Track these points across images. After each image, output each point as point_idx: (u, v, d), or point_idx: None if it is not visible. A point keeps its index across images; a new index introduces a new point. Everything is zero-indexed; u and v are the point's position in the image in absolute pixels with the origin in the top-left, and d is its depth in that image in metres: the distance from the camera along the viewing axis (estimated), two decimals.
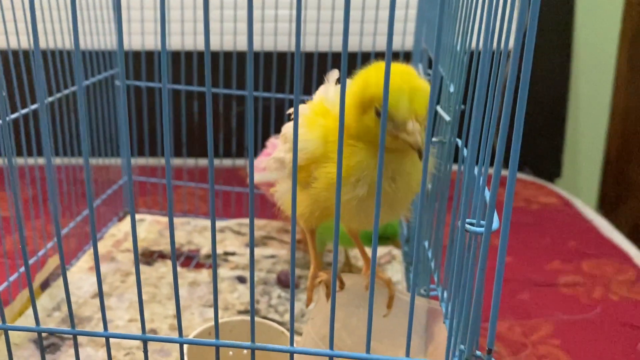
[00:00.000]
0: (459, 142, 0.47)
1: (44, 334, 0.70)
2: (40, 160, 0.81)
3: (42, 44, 0.80)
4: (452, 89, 0.49)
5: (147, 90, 1.04)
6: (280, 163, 0.55)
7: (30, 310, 0.74)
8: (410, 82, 0.44)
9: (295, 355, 0.39)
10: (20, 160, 0.77)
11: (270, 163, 0.56)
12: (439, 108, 0.54)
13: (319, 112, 0.51)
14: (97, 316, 0.75)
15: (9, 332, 0.68)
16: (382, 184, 0.45)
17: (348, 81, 0.51)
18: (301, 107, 0.54)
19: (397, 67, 0.46)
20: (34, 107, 0.73)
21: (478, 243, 0.33)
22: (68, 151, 0.84)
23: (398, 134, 0.44)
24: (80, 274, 0.84)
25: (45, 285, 0.78)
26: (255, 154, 1.00)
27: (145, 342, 0.36)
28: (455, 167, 0.51)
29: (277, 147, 0.58)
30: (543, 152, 1.58)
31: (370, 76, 0.46)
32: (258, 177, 0.90)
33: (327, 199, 0.50)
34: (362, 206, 0.48)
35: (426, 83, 0.45)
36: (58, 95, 0.81)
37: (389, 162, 0.46)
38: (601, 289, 0.94)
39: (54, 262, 0.80)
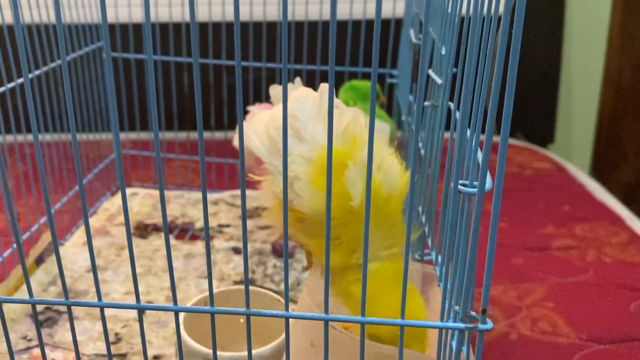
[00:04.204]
0: (452, 105, 0.46)
1: (40, 310, 0.70)
2: (30, 137, 0.80)
3: (27, 18, 0.79)
4: (443, 52, 0.48)
5: (136, 63, 1.03)
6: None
7: (25, 286, 0.74)
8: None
9: (291, 321, 0.40)
10: (9, 137, 0.76)
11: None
12: (430, 72, 0.54)
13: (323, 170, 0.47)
14: (93, 290, 0.75)
15: (5, 307, 0.68)
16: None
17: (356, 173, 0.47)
18: (303, 137, 0.49)
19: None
20: (20, 80, 0.72)
21: (471, 204, 0.33)
22: (58, 127, 0.83)
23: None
24: (75, 249, 0.84)
25: (39, 261, 0.78)
26: None
27: (140, 311, 0.36)
28: (447, 134, 0.51)
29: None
30: (536, 117, 1.58)
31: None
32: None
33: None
34: None
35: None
36: (45, 68, 0.80)
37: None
38: (594, 252, 0.95)
39: (47, 237, 0.80)
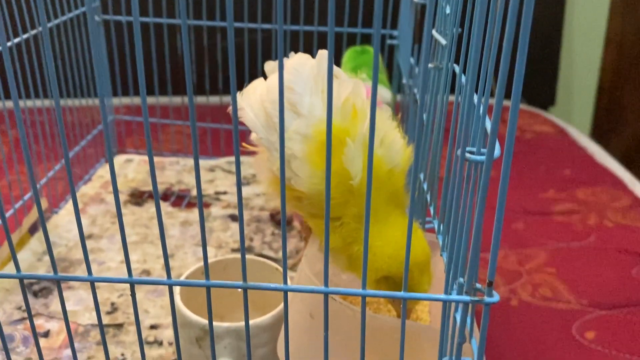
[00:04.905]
0: (456, 67, 0.44)
1: (35, 279, 0.69)
2: (22, 103, 0.78)
3: None
4: (448, 11, 0.46)
5: (128, 25, 1.00)
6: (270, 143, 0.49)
7: (21, 255, 0.73)
8: (429, 276, 0.46)
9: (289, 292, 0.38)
10: None
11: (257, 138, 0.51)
12: (434, 32, 0.51)
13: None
14: (90, 258, 0.74)
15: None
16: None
17: (357, 153, 0.45)
18: (300, 112, 0.47)
19: (415, 251, 0.44)
20: (8, 44, 0.70)
21: (478, 172, 0.32)
22: (49, 92, 0.81)
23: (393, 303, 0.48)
24: (70, 217, 0.82)
25: (33, 229, 0.77)
26: (240, 89, 0.96)
27: (132, 285, 0.35)
28: (451, 97, 0.49)
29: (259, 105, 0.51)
30: (537, 80, 1.55)
31: (394, 260, 0.46)
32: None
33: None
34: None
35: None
36: (33, 32, 0.77)
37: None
38: (596, 216, 0.94)
39: (42, 205, 0.78)
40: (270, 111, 0.48)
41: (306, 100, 0.46)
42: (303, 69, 0.48)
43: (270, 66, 0.56)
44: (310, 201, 0.46)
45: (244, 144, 0.51)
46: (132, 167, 0.98)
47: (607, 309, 0.72)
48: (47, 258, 0.74)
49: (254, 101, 0.50)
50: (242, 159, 0.98)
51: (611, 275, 0.79)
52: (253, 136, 0.53)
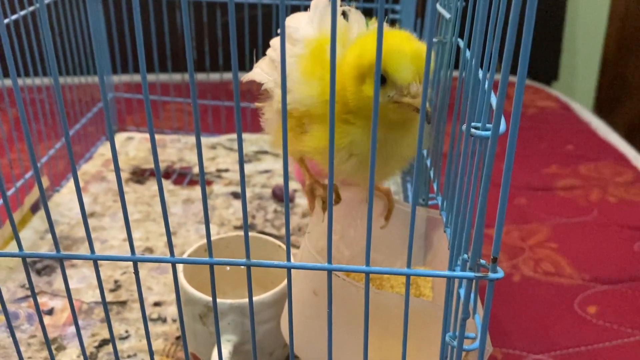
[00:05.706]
0: (461, 42, 0.44)
1: (38, 257, 0.69)
2: (20, 81, 0.77)
3: None
4: None
5: (127, 2, 0.99)
6: (268, 93, 0.51)
7: (23, 234, 0.73)
8: (410, 44, 0.41)
9: (292, 269, 0.38)
10: None
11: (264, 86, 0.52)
12: (438, 5, 0.51)
13: (318, 57, 0.45)
14: (92, 236, 0.74)
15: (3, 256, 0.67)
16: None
17: (342, 52, 0.45)
18: (295, 40, 0.48)
19: (395, 32, 0.44)
20: (5, 21, 0.69)
21: (483, 148, 0.31)
22: (48, 70, 0.80)
23: (401, 99, 0.41)
24: (71, 195, 0.82)
25: (35, 208, 0.76)
26: (241, 67, 0.96)
27: (135, 263, 0.35)
28: (456, 73, 0.49)
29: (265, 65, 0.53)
30: (540, 55, 1.54)
31: (367, 43, 0.43)
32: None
33: (316, 161, 0.48)
34: (351, 174, 0.47)
35: (423, 45, 0.42)
36: (31, 8, 0.76)
37: (385, 142, 0.45)
38: (599, 192, 0.94)
39: (43, 183, 0.78)
40: (272, 55, 0.51)
41: (301, 30, 0.48)
42: (301, 15, 0.51)
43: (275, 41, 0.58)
44: (309, 117, 0.46)
45: (256, 103, 0.52)
46: (133, 145, 0.97)
47: (609, 284, 0.72)
48: (49, 236, 0.74)
49: (261, 61, 0.54)
50: (244, 136, 0.97)
51: (613, 251, 0.79)
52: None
